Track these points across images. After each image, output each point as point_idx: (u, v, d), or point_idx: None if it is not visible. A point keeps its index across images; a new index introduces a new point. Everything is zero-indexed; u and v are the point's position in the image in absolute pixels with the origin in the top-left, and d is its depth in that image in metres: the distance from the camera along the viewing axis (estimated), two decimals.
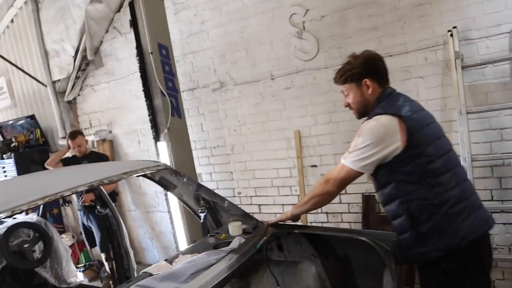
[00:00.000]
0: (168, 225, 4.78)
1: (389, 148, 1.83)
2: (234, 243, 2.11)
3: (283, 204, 3.97)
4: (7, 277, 3.50)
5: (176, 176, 2.59)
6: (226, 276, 1.82)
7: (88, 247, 4.94)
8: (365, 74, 1.99)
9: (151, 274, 1.96)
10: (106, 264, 4.49)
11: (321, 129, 3.72)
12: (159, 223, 4.93)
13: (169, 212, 3.97)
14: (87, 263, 5.29)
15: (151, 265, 2.12)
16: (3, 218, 2.05)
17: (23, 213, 4.06)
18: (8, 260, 3.16)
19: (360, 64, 2.00)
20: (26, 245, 3.45)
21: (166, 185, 2.68)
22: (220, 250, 2.04)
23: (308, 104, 3.75)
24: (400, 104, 1.92)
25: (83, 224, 4.67)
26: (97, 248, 4.66)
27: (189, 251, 2.20)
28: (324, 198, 2.05)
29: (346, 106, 2.11)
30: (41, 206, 4.09)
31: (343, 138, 3.57)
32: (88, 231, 4.64)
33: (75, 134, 4.71)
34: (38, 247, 3.52)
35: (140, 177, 4.81)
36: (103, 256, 4.53)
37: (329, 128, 3.66)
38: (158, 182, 2.67)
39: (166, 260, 2.12)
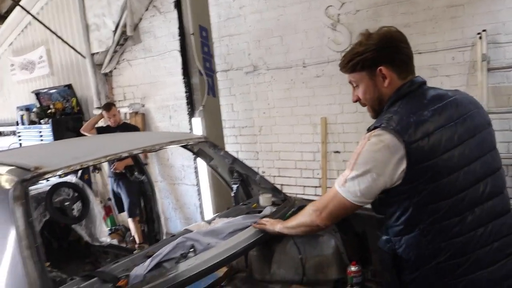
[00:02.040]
0: (191, 197, 5.08)
1: (390, 177, 1.41)
2: (266, 211, 2.36)
3: (304, 186, 4.21)
4: (45, 232, 3.82)
5: (214, 149, 2.83)
6: (259, 237, 2.08)
7: (117, 212, 5.27)
8: (381, 59, 1.49)
9: (191, 231, 2.22)
10: (133, 228, 4.81)
11: (346, 118, 3.92)
12: (184, 195, 5.21)
13: (197, 184, 4.24)
14: (113, 227, 5.62)
15: (174, 234, 2.35)
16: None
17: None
18: (51, 214, 3.47)
19: (375, 46, 1.49)
20: (66, 203, 3.75)
21: (203, 157, 2.93)
22: (254, 215, 2.30)
23: (336, 93, 3.95)
24: (415, 115, 1.42)
25: (113, 190, 4.99)
26: (125, 214, 4.98)
27: (224, 215, 2.45)
28: (312, 230, 1.82)
29: (356, 101, 1.63)
30: (80, 169, 4.40)
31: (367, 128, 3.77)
32: (117, 197, 4.95)
33: (110, 105, 5.01)
34: (77, 206, 3.83)
35: (169, 151, 5.13)
36: (130, 221, 4.85)
37: (354, 117, 3.86)
38: (196, 153, 2.91)
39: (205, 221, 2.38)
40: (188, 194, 5.13)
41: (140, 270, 1.83)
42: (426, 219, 1.41)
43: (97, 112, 5.70)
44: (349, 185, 1.47)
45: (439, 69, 3.44)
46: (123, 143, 2.58)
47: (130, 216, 4.78)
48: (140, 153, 2.47)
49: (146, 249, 2.10)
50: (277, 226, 2.02)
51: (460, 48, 3.34)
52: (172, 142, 2.54)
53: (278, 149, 4.36)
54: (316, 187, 4.15)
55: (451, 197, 1.40)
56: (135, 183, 4.04)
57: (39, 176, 1.97)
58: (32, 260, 1.67)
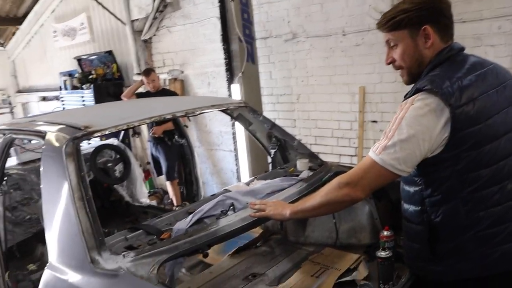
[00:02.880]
0: (228, 163, 5.19)
1: (433, 143, 1.38)
2: (303, 175, 2.42)
3: (340, 154, 4.23)
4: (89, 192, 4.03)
5: (253, 114, 2.89)
6: (296, 198, 2.15)
7: (156, 175, 5.47)
8: (426, 19, 1.45)
9: (230, 191, 2.31)
10: (171, 191, 4.99)
11: (385, 87, 3.88)
12: (221, 160, 5.33)
13: (234, 150, 4.33)
14: (152, 190, 5.83)
15: (213, 194, 2.41)
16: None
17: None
18: (95, 174, 3.65)
19: (421, 5, 1.45)
20: (109, 164, 3.93)
21: (242, 122, 2.99)
22: (292, 177, 2.36)
23: (375, 62, 3.90)
24: (459, 80, 1.39)
25: (152, 154, 5.16)
26: (163, 177, 5.16)
27: (262, 178, 2.53)
28: (344, 206, 1.71)
29: (390, 63, 1.58)
30: (122, 132, 4.57)
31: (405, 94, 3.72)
32: (156, 160, 5.12)
33: (149, 71, 5.12)
34: (118, 167, 4.00)
35: (207, 117, 5.22)
36: (168, 184, 5.02)
37: (393, 87, 3.81)
38: (235, 118, 2.98)
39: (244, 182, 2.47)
40: (225, 160, 5.24)
41: (182, 224, 1.94)
42: (466, 188, 1.40)
43: (137, 78, 5.84)
44: (388, 153, 1.38)
45: (484, 38, 3.33)
46: (166, 106, 2.67)
47: (168, 179, 4.95)
48: (182, 115, 2.55)
49: (187, 206, 2.20)
50: (286, 210, 1.77)
51: (508, 17, 3.22)
52: (213, 106, 2.61)
53: (316, 118, 4.37)
54: (352, 156, 4.16)
55: (491, 165, 1.39)
56: (174, 147, 4.17)
57: (89, 135, 2.09)
58: (84, 211, 1.80)
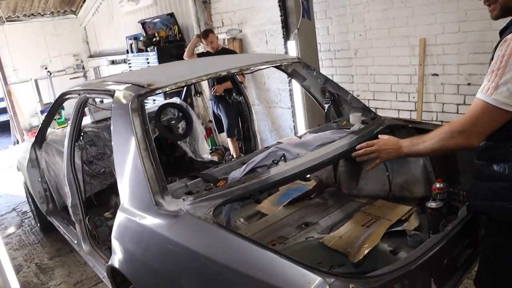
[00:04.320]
0: (286, 120, 5.28)
1: None
2: (355, 128, 2.47)
3: (399, 109, 4.17)
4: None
5: (307, 70, 2.94)
6: (346, 150, 2.22)
7: (217, 132, 5.70)
8: None
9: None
10: (231, 147, 5.20)
11: (447, 38, 3.73)
12: (279, 118, 5.43)
13: (292, 107, 4.40)
14: (214, 147, 6.09)
15: (267, 146, 2.53)
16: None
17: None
18: (160, 131, 3.89)
19: None
20: (172, 122, 4.15)
21: (297, 77, 3.05)
22: (342, 130, 2.42)
23: (437, 12, 3.74)
24: None
25: (213, 112, 5.36)
26: (224, 134, 5.37)
27: (314, 131, 2.61)
28: (457, 151, 1.82)
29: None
30: (184, 91, 4.79)
31: (470, 48, 3.56)
32: (217, 118, 5.33)
33: (207, 32, 5.24)
34: (181, 125, 4.22)
35: (265, 75, 5.30)
36: (229, 141, 5.23)
37: (456, 38, 3.66)
38: (290, 74, 3.04)
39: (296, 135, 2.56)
40: (283, 117, 5.34)
41: (237, 173, 2.09)
42: None
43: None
44: (501, 92, 1.33)
45: None
46: (222, 64, 2.79)
47: (228, 136, 5.16)
48: (237, 72, 2.66)
49: (242, 157, 2.34)
50: (400, 151, 1.70)
51: None
52: (267, 62, 2.69)
53: (374, 72, 4.31)
54: (411, 110, 4.09)
55: None
56: (234, 105, 4.31)
57: (151, 92, 2.27)
58: (148, 160, 1.99)
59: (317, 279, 1.32)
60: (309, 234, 2.45)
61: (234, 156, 5.12)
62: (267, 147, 2.40)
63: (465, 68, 3.64)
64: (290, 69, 2.99)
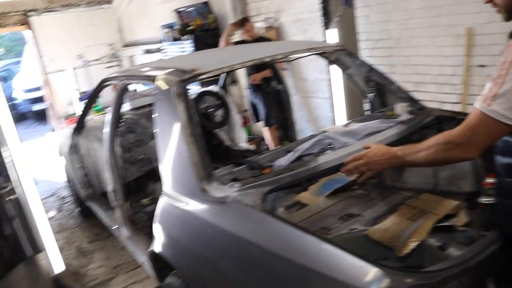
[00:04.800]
0: (324, 110, 5.19)
1: None
2: (402, 118, 2.38)
3: (442, 102, 4.03)
4: None
5: (351, 58, 2.86)
6: (395, 140, 2.14)
7: (253, 122, 5.67)
8: None
9: None
10: (268, 137, 5.16)
11: (496, 27, 3.55)
12: (317, 108, 5.35)
13: (330, 97, 4.32)
14: (249, 137, 6.05)
15: (312, 134, 2.48)
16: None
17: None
18: (198, 119, 3.88)
19: None
20: (210, 110, 4.15)
21: (340, 65, 2.97)
22: (390, 120, 2.34)
23: None
24: None
25: (251, 101, 5.33)
26: (260, 123, 5.33)
27: (359, 121, 2.54)
28: (454, 163, 1.68)
29: (488, 2, 1.47)
30: (222, 79, 4.77)
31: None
32: (254, 107, 5.29)
33: (243, 20, 5.19)
34: (219, 113, 4.21)
35: (303, 64, 5.22)
36: (265, 130, 5.19)
37: (505, 27, 3.48)
38: (333, 62, 2.96)
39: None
40: (321, 108, 5.25)
41: (283, 161, 2.05)
42: None
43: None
44: (500, 102, 1.24)
45: None
46: (265, 50, 2.75)
47: (265, 125, 5.12)
48: (280, 58, 2.61)
49: (286, 145, 2.30)
50: (393, 160, 1.61)
51: None
52: (311, 49, 2.63)
53: (416, 63, 4.17)
54: (455, 103, 3.94)
55: None
56: (272, 94, 4.27)
57: (195, 77, 2.25)
58: (194, 145, 1.97)
59: (374, 271, 1.27)
60: (353, 226, 2.39)
61: (271, 146, 5.08)
62: (312, 135, 2.35)
63: None
64: (333, 57, 2.92)
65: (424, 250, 2.10)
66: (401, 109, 2.58)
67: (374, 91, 2.85)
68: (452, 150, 1.40)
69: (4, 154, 2.55)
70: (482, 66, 3.72)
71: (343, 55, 2.88)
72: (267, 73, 4.59)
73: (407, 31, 4.19)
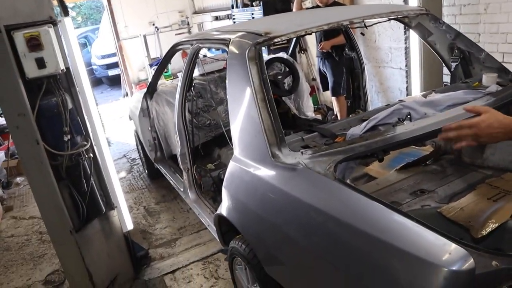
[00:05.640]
0: (396, 81, 4.94)
1: None
2: (491, 89, 2.18)
3: None
4: None
5: (435, 23, 2.65)
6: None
7: (321, 91, 5.54)
8: None
9: None
10: (335, 106, 5.02)
11: None
12: (388, 78, 5.10)
13: (406, 67, 4.08)
14: (316, 106, 5.94)
15: (388, 104, 2.34)
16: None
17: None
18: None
19: None
20: (279, 77, 4.07)
21: (421, 32, 2.77)
22: (477, 90, 2.15)
23: None
24: None
25: (319, 69, 5.18)
26: (328, 93, 5.19)
27: (441, 91, 2.36)
28: None
29: None
30: (292, 45, 4.66)
31: None
32: (322, 76, 5.15)
33: None
34: (287, 80, 4.13)
35: (377, 31, 4.96)
36: (333, 100, 5.05)
37: None
38: (414, 28, 2.77)
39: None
40: (393, 78, 4.99)
41: (357, 130, 1.95)
42: None
43: None
44: None
45: None
46: (341, 14, 2.61)
47: (333, 94, 4.97)
48: (358, 23, 2.47)
49: (361, 114, 2.19)
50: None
51: None
52: (392, 13, 2.46)
53: (506, 31, 3.79)
54: None
55: None
56: (342, 62, 4.10)
57: (269, 40, 2.18)
58: (266, 110, 1.93)
59: (457, 249, 1.18)
60: (425, 202, 2.26)
61: (339, 116, 4.94)
62: (388, 104, 2.22)
63: None
64: (415, 22, 2.72)
65: (504, 234, 1.95)
66: (489, 79, 2.37)
67: (458, 60, 2.63)
68: None
69: (84, 115, 2.66)
70: None
71: (426, 20, 2.68)
72: (336, 41, 4.42)
73: None
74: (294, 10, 5.14)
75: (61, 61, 2.45)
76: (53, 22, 2.46)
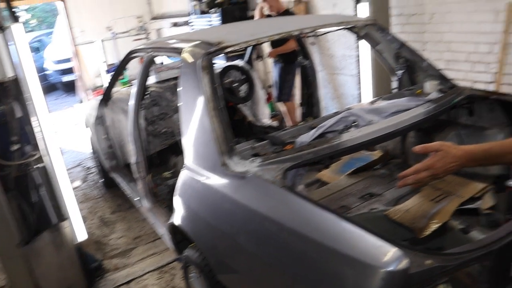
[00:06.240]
0: (350, 88, 5.09)
1: None
2: (432, 96, 2.30)
3: (474, 81, 3.87)
4: None
5: (382, 33, 2.76)
6: (424, 118, 2.07)
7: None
8: None
9: None
10: (283, 111, 5.08)
11: None
12: (342, 85, 5.24)
13: (357, 74, 4.21)
14: (273, 113, 6.00)
15: (336, 111, 2.42)
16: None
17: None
18: (221, 94, 3.85)
19: None
20: (235, 84, 4.11)
21: (369, 41, 2.87)
22: (419, 98, 2.26)
23: None
24: None
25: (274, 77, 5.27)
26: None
27: (387, 98, 2.46)
28: None
29: None
30: (248, 53, 4.70)
31: None
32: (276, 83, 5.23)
33: None
34: (243, 88, 4.17)
35: (330, 39, 5.10)
36: (280, 105, 5.13)
37: None
38: (362, 37, 2.87)
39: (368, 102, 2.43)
40: (346, 85, 5.14)
41: (306, 137, 2.01)
42: None
43: (259, 1, 5.83)
44: None
45: None
46: (292, 24, 2.68)
47: (277, 100, 5.07)
48: (309, 32, 2.54)
49: (310, 122, 2.26)
50: (471, 162, 1.36)
51: None
52: (340, 23, 2.55)
53: (450, 40, 4.00)
54: (488, 82, 3.79)
55: None
56: (289, 70, 4.19)
57: (221, 50, 2.21)
58: (217, 119, 1.95)
59: (393, 250, 1.24)
60: (373, 206, 2.36)
61: (287, 121, 5.03)
62: (337, 112, 2.30)
63: None
64: (363, 31, 2.82)
65: (446, 233, 2.06)
66: (431, 87, 2.49)
67: (403, 68, 2.75)
68: None
69: (33, 124, 2.60)
70: None
71: (373, 30, 2.78)
72: (282, 49, 4.52)
73: (442, 6, 4.01)
74: (256, 17, 5.19)
75: (9, 68, 2.39)
76: (1, 28, 2.39)
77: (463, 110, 2.50)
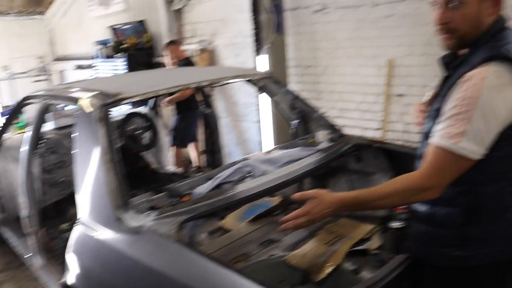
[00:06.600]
0: (253, 134, 5.27)
1: (509, 117, 1.27)
2: (322, 145, 2.47)
3: (365, 128, 4.23)
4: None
5: (277, 85, 2.94)
6: (314, 168, 2.21)
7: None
8: None
9: None
10: (172, 156, 5.08)
11: (414, 60, 3.82)
12: (246, 132, 5.41)
13: (259, 121, 4.39)
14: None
15: (233, 162, 2.51)
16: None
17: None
18: (124, 141, 3.79)
19: None
20: (138, 132, 4.07)
21: (267, 92, 3.04)
22: (310, 148, 2.42)
23: (406, 35, 3.83)
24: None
25: None
26: (190, 145, 5.24)
27: (282, 148, 2.60)
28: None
29: (442, 24, 1.38)
30: (153, 100, 4.71)
31: (435, 71, 3.66)
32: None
33: (168, 44, 5.20)
34: (147, 135, 4.13)
35: (234, 87, 5.28)
36: (172, 149, 5.12)
37: (423, 60, 3.74)
38: (260, 88, 3.03)
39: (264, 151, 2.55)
40: (250, 131, 5.32)
41: (202, 189, 2.05)
42: None
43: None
44: (470, 138, 1.24)
45: None
46: (193, 75, 2.76)
47: (170, 145, 5.05)
48: (207, 85, 2.64)
49: (207, 173, 2.31)
50: (343, 208, 1.44)
51: None
52: (238, 76, 2.68)
53: (341, 90, 4.36)
54: (376, 129, 4.16)
55: None
56: (187, 117, 4.24)
57: (119, 101, 2.20)
58: (112, 172, 1.92)
59: None
60: (273, 252, 2.42)
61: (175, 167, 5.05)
62: (234, 162, 2.37)
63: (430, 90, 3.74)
64: (261, 83, 2.99)
65: (340, 274, 2.17)
66: (322, 136, 2.68)
67: (298, 118, 2.94)
68: (420, 194, 1.36)
69: None
70: (400, 95, 3.97)
71: (269, 82, 2.96)
72: (176, 97, 4.63)
73: (334, 59, 4.38)
74: (167, 65, 5.22)
75: None
76: None
77: (351, 157, 2.71)
